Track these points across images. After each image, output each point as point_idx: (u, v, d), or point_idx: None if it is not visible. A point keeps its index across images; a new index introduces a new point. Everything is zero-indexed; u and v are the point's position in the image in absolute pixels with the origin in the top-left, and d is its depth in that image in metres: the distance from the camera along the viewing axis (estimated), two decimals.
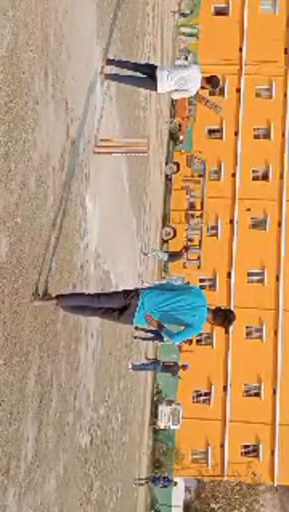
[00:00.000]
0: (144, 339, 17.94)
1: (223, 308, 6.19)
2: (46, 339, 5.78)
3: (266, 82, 43.58)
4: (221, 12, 44.30)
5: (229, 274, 41.48)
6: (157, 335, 15.90)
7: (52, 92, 5.71)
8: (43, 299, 5.49)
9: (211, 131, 43.48)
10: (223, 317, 6.04)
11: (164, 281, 23.72)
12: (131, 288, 6.45)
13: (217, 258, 40.31)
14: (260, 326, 40.78)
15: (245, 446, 40.29)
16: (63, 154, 6.35)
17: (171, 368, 21.90)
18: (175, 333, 5.97)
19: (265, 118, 42.91)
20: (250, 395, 40.53)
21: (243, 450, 40.30)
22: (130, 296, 5.96)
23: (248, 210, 41.95)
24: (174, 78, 8.34)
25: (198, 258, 33.07)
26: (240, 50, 43.71)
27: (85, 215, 7.86)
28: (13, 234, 4.60)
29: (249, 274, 41.59)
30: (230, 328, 6.40)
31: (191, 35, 36.67)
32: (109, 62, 8.69)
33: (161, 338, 16.55)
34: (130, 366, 15.35)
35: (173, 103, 32.73)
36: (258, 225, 42.30)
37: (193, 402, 40.02)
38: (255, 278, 41.67)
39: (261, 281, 41.52)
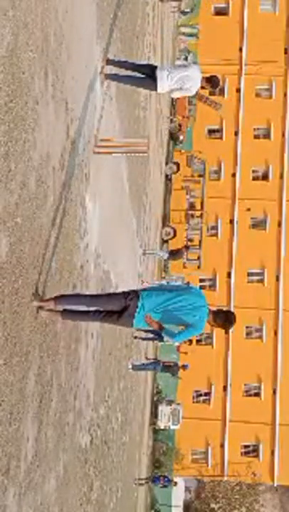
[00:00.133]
0: (144, 339, 17.94)
1: (223, 309, 6.17)
2: (46, 339, 5.78)
3: (266, 82, 43.58)
4: (221, 12, 44.29)
5: (229, 274, 41.48)
6: (157, 335, 15.89)
7: (52, 92, 5.71)
8: (43, 301, 5.48)
9: (211, 131, 43.47)
10: (224, 318, 6.01)
11: (163, 282, 23.74)
12: (131, 288, 6.45)
13: (217, 258, 40.30)
14: (260, 326, 40.78)
15: (245, 446, 40.29)
16: (63, 154, 6.36)
17: (171, 368, 21.91)
18: (176, 333, 5.95)
19: (265, 118, 42.90)
20: (250, 395, 40.53)
21: (243, 450, 40.30)
22: (130, 297, 5.93)
23: (248, 210, 41.94)
24: (174, 78, 8.35)
25: (198, 258, 33.04)
26: (240, 50, 43.71)
27: (85, 215, 7.86)
28: (13, 234, 4.60)
29: (249, 274, 41.59)
30: (231, 329, 6.35)
31: (191, 35, 36.66)
32: (109, 62, 8.70)
33: (161, 339, 16.54)
34: (130, 366, 15.35)
35: (173, 103, 32.73)
36: (258, 225, 42.30)
37: (193, 402, 40.02)
38: (255, 278, 41.67)
39: (261, 281, 41.52)
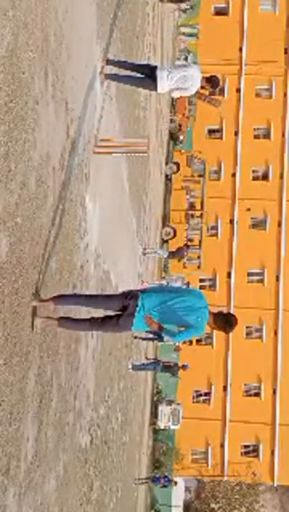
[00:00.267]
0: (144, 339, 17.95)
1: (224, 311, 6.14)
2: (46, 339, 5.78)
3: (266, 82, 43.58)
4: (221, 12, 44.29)
5: (229, 274, 41.47)
6: (157, 335, 15.89)
7: (52, 92, 5.71)
8: (43, 301, 5.48)
9: (211, 131, 43.47)
10: (224, 321, 5.97)
11: (164, 282, 23.72)
12: (130, 288, 6.43)
13: (217, 258, 40.30)
14: (260, 326, 40.78)
15: (245, 446, 40.29)
16: (63, 154, 6.36)
17: (171, 368, 21.92)
18: (176, 332, 5.93)
19: (265, 118, 42.90)
20: (250, 395, 40.52)
21: (243, 450, 40.29)
22: (129, 296, 5.92)
23: (248, 210, 41.94)
24: (174, 78, 8.35)
25: (198, 258, 33.05)
26: (240, 50, 43.70)
27: (85, 215, 7.86)
28: (13, 234, 4.60)
29: (249, 274, 41.59)
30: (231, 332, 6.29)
31: (191, 35, 36.65)
32: (109, 62, 8.70)
33: (161, 339, 16.55)
34: (130, 366, 15.35)
35: (173, 103, 32.73)
36: (258, 225, 42.30)
37: (193, 402, 40.01)
38: (255, 278, 41.66)
39: (261, 281, 41.51)
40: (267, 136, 43.30)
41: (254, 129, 43.24)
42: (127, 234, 14.21)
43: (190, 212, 34.15)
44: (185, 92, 8.69)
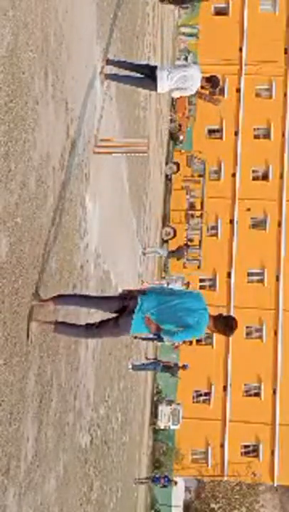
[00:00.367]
0: (144, 339, 17.94)
1: (224, 315, 6.11)
2: (46, 339, 5.78)
3: (266, 82, 43.58)
4: (221, 12, 44.28)
5: (229, 274, 41.47)
6: (157, 336, 15.86)
7: (52, 92, 5.71)
8: (42, 301, 5.48)
9: (211, 131, 43.47)
10: (224, 324, 5.94)
11: (164, 282, 23.71)
12: (130, 288, 6.42)
13: (217, 258, 40.29)
14: (260, 326, 40.77)
15: (245, 446, 40.29)
16: (63, 154, 6.36)
17: (171, 368, 21.92)
18: (175, 331, 5.89)
19: (265, 118, 42.90)
20: (250, 395, 40.52)
21: (243, 450, 40.29)
22: (129, 297, 5.91)
23: (248, 210, 41.94)
24: (174, 78, 8.35)
25: (198, 258, 33.05)
26: (240, 50, 43.70)
27: (85, 215, 7.86)
28: (13, 234, 4.60)
29: (249, 274, 41.58)
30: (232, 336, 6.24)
31: (191, 35, 36.66)
32: (109, 62, 8.70)
33: (161, 339, 16.52)
34: (130, 366, 15.35)
35: (173, 102, 32.74)
36: (258, 225, 42.30)
37: (193, 402, 40.01)
38: (255, 278, 41.66)
39: (261, 281, 41.51)
40: (267, 136, 43.30)
41: (254, 129, 43.24)
42: (127, 234, 14.21)
43: (190, 212, 34.16)
44: (185, 92, 8.70)
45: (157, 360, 21.64)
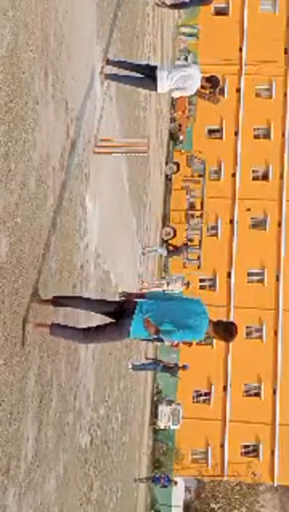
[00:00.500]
0: (144, 339, 17.92)
1: (224, 320, 6.10)
2: (46, 339, 5.78)
3: (266, 82, 43.58)
4: (221, 12, 44.27)
5: (229, 274, 41.47)
6: (157, 337, 15.85)
7: (52, 92, 5.71)
8: (42, 301, 5.48)
9: (211, 131, 43.47)
10: (224, 329, 5.92)
11: (164, 282, 23.69)
12: (129, 291, 6.42)
13: (217, 258, 40.29)
14: (260, 326, 40.77)
15: (245, 446, 40.28)
16: (63, 154, 6.36)
17: (171, 369, 21.90)
18: (174, 330, 5.89)
19: (265, 118, 42.89)
20: (250, 395, 40.51)
21: (243, 450, 40.29)
22: (129, 300, 5.93)
23: (248, 210, 41.94)
24: (174, 78, 8.35)
25: (198, 258, 33.05)
26: (240, 50, 43.70)
27: (85, 215, 7.86)
28: (13, 234, 4.60)
29: (249, 274, 41.58)
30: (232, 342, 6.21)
31: (191, 35, 36.63)
32: (109, 62, 8.70)
33: (161, 340, 16.52)
34: (130, 366, 15.35)
35: (173, 102, 32.73)
36: (258, 225, 42.29)
37: (193, 402, 40.00)
38: (255, 278, 41.65)
39: (261, 281, 41.50)
40: (267, 136, 43.30)
41: (254, 129, 43.23)
42: (127, 234, 14.21)
43: (190, 212, 34.14)
44: (185, 92, 8.69)
45: (157, 360, 21.62)
